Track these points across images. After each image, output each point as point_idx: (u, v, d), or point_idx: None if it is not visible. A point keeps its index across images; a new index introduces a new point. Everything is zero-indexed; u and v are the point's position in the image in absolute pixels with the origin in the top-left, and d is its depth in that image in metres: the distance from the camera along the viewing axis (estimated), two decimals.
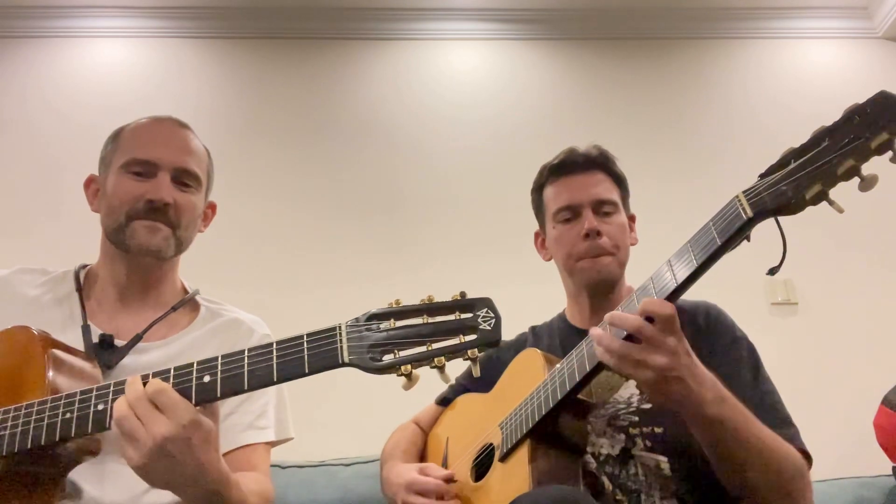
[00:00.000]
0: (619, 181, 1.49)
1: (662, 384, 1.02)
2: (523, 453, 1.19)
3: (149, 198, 1.27)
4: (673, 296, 1.04)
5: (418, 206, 2.92)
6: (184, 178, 1.33)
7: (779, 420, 1.22)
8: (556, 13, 3.18)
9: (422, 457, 1.55)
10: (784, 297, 2.79)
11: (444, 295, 0.95)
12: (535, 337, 1.57)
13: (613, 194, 1.46)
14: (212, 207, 1.47)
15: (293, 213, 2.88)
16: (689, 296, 1.40)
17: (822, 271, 2.81)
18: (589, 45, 3.21)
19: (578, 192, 1.44)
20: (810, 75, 3.17)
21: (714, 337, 1.33)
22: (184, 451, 0.91)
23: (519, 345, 1.55)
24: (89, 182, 1.40)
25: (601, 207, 1.42)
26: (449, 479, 1.27)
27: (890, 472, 2.03)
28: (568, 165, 1.48)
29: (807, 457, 1.20)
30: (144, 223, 1.28)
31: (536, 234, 1.60)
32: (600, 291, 1.43)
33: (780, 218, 0.96)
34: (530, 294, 2.62)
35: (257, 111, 3.03)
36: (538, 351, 1.34)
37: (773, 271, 1.01)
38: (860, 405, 2.17)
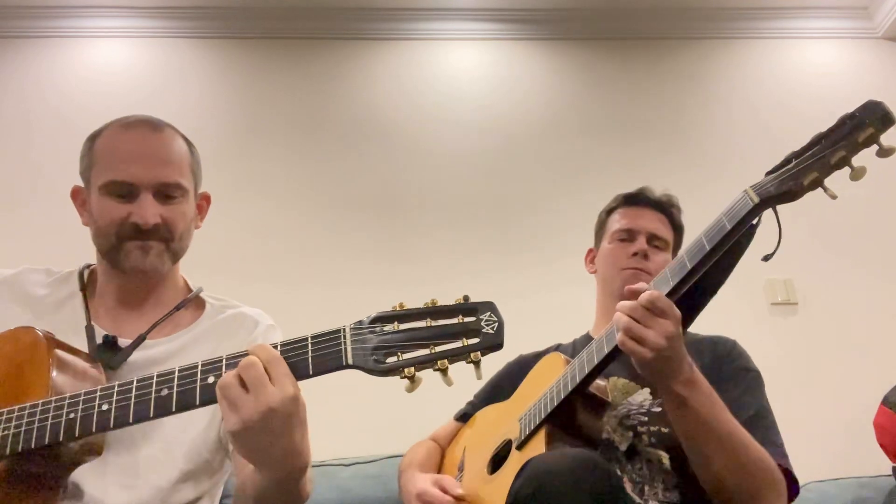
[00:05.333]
0: (677, 229, 1.66)
1: (653, 362, 1.13)
2: (540, 439, 1.24)
3: (133, 221, 1.24)
4: (688, 277, 1.15)
5: (418, 205, 2.92)
6: (167, 192, 1.28)
7: (767, 439, 1.26)
8: (556, 13, 3.18)
9: (438, 470, 1.59)
10: (784, 297, 2.80)
11: (447, 296, 0.95)
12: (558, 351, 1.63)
13: (668, 235, 1.63)
14: (206, 199, 1.44)
15: (293, 211, 2.88)
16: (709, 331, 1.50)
17: (822, 271, 2.82)
18: (589, 45, 3.21)
19: (640, 221, 1.62)
20: (810, 75, 3.17)
21: (725, 362, 1.42)
22: (284, 426, 0.89)
23: (538, 359, 1.59)
24: (75, 193, 1.36)
25: (654, 240, 1.59)
26: (460, 499, 1.30)
27: (890, 472, 2.03)
28: (640, 199, 1.66)
29: (789, 477, 1.24)
30: (136, 243, 1.26)
31: (589, 251, 1.77)
32: None
33: (783, 206, 1.09)
34: (529, 292, 2.63)
35: (257, 111, 3.03)
36: (560, 354, 1.42)
37: (767, 258, 1.12)
38: (860, 405, 2.17)
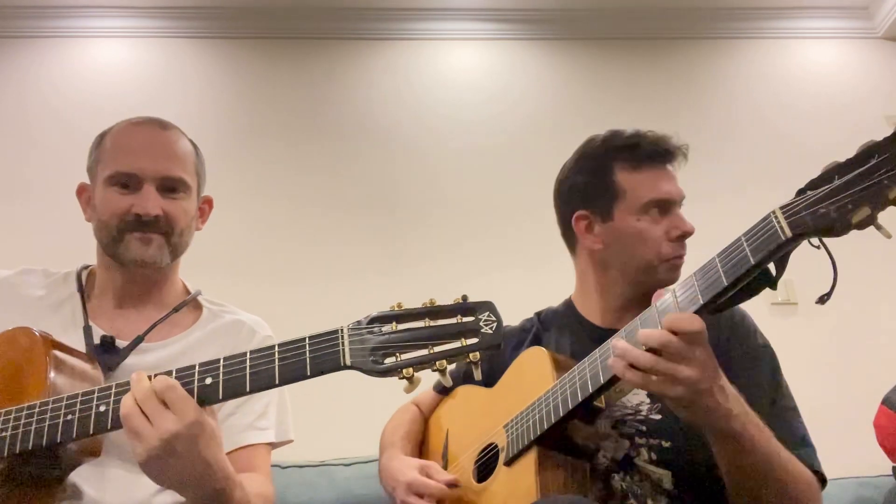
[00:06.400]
0: None
1: (691, 398, 0.96)
2: (530, 460, 1.16)
3: (136, 211, 1.26)
4: (697, 314, 1.00)
5: (418, 205, 2.92)
6: (170, 186, 1.30)
7: (796, 439, 1.19)
8: (557, 13, 3.18)
9: (422, 443, 1.52)
10: (784, 297, 2.78)
11: (446, 295, 0.95)
12: (542, 325, 1.50)
13: None
14: (208, 203, 1.45)
15: (293, 211, 2.88)
16: None
17: (822, 271, 2.80)
18: (589, 45, 3.20)
19: (673, 188, 1.31)
20: (811, 75, 3.16)
21: (734, 343, 1.28)
22: (190, 448, 0.91)
23: (523, 333, 1.50)
24: (81, 190, 1.38)
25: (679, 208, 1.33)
26: (452, 484, 1.23)
27: (890, 472, 2.03)
28: (663, 154, 1.32)
29: (821, 479, 1.19)
30: (136, 235, 1.27)
31: (579, 217, 1.36)
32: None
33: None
34: (527, 291, 2.62)
35: (257, 111, 3.03)
36: (545, 351, 1.30)
37: (823, 300, 0.93)
38: (860, 405, 2.16)
